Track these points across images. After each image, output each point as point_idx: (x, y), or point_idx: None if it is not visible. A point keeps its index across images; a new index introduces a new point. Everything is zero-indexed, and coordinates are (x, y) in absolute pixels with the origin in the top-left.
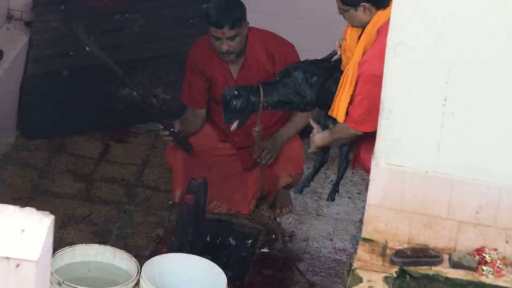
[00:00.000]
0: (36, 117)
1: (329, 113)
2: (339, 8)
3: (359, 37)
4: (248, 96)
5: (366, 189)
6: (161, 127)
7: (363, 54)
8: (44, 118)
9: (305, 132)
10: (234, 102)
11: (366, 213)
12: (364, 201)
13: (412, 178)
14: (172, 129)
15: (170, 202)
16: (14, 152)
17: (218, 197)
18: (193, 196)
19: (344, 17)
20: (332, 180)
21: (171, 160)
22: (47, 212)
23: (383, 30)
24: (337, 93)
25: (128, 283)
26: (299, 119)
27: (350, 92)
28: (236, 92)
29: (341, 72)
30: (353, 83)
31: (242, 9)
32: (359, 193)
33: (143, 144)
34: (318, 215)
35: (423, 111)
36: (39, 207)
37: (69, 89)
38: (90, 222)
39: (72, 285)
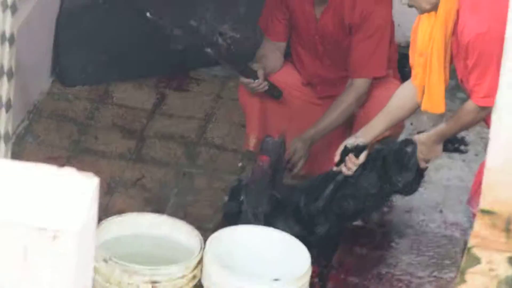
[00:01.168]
0: (75, 59)
1: (422, 108)
2: None
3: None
4: None
5: (485, 149)
6: (244, 79)
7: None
8: (85, 60)
9: None
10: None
11: (485, 178)
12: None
13: None
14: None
15: (240, 164)
16: (49, 102)
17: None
18: (268, 157)
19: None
20: None
21: (244, 100)
22: (90, 174)
23: None
24: (423, 84)
25: (190, 261)
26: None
27: (442, 77)
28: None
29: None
30: (442, 63)
31: None
32: (476, 155)
33: (206, 93)
34: (424, 181)
35: None
36: (80, 168)
37: (116, 26)
38: (142, 187)
39: (121, 262)
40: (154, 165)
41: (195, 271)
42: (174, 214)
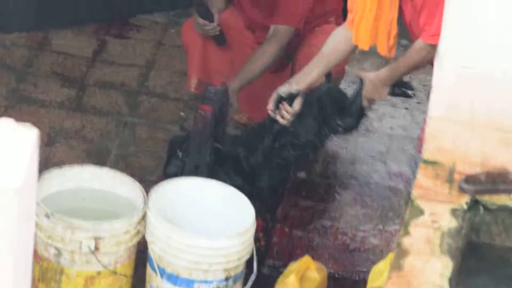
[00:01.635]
0: (12, 5)
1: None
2: None
3: None
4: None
5: (427, 97)
6: (200, 20)
7: None
8: (23, 6)
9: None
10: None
11: (427, 127)
12: (425, 112)
13: (486, 82)
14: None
15: (182, 113)
16: None
17: (244, 107)
18: (211, 107)
19: None
20: None
21: (187, 39)
22: (29, 125)
23: None
24: (356, 17)
25: (132, 216)
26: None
27: (373, 13)
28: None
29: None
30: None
31: None
32: (418, 103)
33: (147, 40)
34: (367, 130)
35: None
36: (19, 118)
37: None
38: (83, 138)
39: (64, 217)
40: (94, 115)
41: (139, 226)
42: (116, 165)
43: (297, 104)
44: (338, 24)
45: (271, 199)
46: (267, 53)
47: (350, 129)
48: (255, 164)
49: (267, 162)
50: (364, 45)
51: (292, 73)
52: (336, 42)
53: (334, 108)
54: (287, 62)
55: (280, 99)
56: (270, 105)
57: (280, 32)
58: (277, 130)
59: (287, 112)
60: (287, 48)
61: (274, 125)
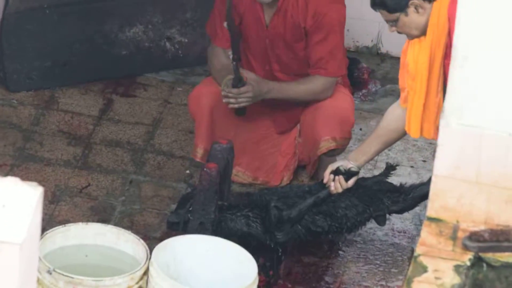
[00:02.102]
0: (19, 64)
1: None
2: (387, 22)
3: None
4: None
5: (433, 156)
6: (235, 90)
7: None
8: (30, 65)
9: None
10: None
11: (432, 185)
12: (430, 171)
13: (491, 142)
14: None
15: (188, 171)
16: None
17: (243, 162)
18: (216, 164)
19: (397, 31)
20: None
21: (194, 109)
22: (35, 183)
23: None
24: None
25: (135, 272)
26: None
27: (421, 101)
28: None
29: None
30: (424, 87)
31: None
32: (424, 161)
33: (154, 98)
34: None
35: (507, 58)
36: (24, 177)
37: (61, 30)
38: (88, 196)
39: (65, 273)
40: (100, 173)
41: (141, 282)
42: (120, 223)
43: (352, 181)
44: (344, 83)
45: (275, 255)
46: (311, 84)
47: (398, 212)
48: (286, 217)
49: (298, 220)
50: (415, 134)
51: (300, 128)
52: (394, 121)
53: (384, 192)
54: (294, 124)
55: (338, 173)
56: (328, 174)
57: (321, 79)
58: (321, 197)
59: (341, 185)
60: (296, 110)
61: (320, 192)
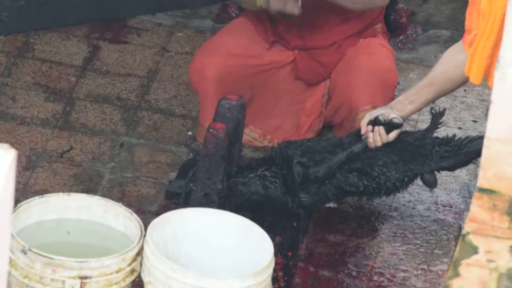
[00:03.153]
0: None
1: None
2: None
3: None
4: None
5: (486, 115)
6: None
7: None
8: (0, 5)
9: None
10: None
11: (485, 150)
12: (483, 132)
13: None
14: None
15: (190, 133)
16: None
17: (257, 121)
18: (224, 125)
19: None
20: (433, 102)
21: (197, 82)
22: (6, 145)
23: None
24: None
25: (127, 252)
26: None
27: (492, 42)
28: None
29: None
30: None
31: None
32: (474, 121)
33: (149, 45)
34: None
35: None
36: None
37: None
38: (70, 161)
39: (43, 253)
40: (85, 134)
41: (134, 264)
42: (109, 194)
43: (394, 134)
44: (384, 33)
45: (293, 233)
46: None
47: (448, 169)
48: (313, 176)
49: (327, 179)
50: (476, 79)
51: (329, 92)
52: (453, 68)
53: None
54: (323, 77)
55: (377, 123)
56: (365, 124)
57: None
58: (355, 151)
59: (380, 138)
60: (326, 61)
61: (354, 145)
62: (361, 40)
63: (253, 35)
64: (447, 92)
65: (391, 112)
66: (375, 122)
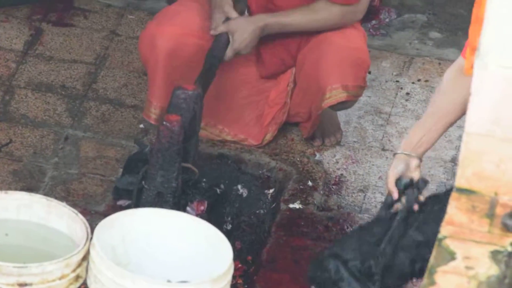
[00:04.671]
0: None
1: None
2: None
3: None
4: None
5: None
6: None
7: None
8: None
9: None
10: None
11: (464, 147)
12: (461, 127)
13: None
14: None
15: (142, 125)
16: None
17: (216, 114)
18: (179, 116)
19: None
20: (408, 93)
21: (146, 54)
22: None
23: None
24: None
25: (71, 256)
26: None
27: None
28: None
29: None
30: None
31: None
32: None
33: (97, 29)
34: (384, 149)
35: None
36: None
37: None
38: (9, 156)
39: None
40: (25, 126)
41: (79, 270)
42: (52, 192)
43: (426, 193)
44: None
45: (254, 236)
46: (315, 11)
47: None
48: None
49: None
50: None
51: (294, 82)
52: (460, 93)
53: None
54: (286, 65)
55: (406, 186)
56: (393, 186)
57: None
58: (401, 219)
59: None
60: (294, 49)
61: (397, 215)
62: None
63: (210, 14)
64: (460, 117)
65: (411, 162)
66: (402, 183)
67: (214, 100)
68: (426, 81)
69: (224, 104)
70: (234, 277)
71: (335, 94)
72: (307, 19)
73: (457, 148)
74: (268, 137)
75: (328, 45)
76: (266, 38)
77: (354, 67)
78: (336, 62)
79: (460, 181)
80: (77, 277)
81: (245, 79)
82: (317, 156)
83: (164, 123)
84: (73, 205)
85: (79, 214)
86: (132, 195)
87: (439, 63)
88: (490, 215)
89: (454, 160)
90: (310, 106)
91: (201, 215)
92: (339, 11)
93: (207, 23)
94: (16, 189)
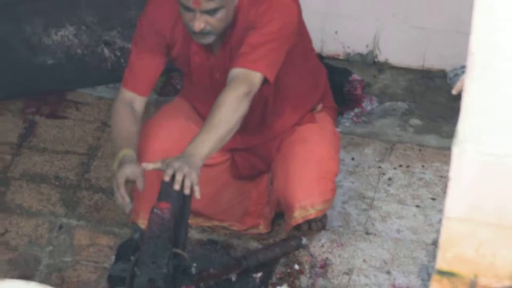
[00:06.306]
0: None
1: None
2: None
3: None
4: None
5: (445, 192)
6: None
7: None
8: None
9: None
10: None
11: (443, 231)
12: (441, 211)
13: None
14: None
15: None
16: None
17: (204, 210)
18: (169, 204)
19: None
20: (390, 178)
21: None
22: None
23: None
24: None
25: None
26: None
27: None
28: None
29: None
30: None
31: None
32: (433, 199)
33: (89, 120)
34: (367, 233)
35: None
36: None
37: None
38: (5, 245)
39: None
40: (21, 216)
41: None
42: (47, 280)
43: None
44: (329, 113)
45: None
46: (228, 100)
47: None
48: None
49: None
50: None
51: (271, 183)
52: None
53: None
54: (263, 171)
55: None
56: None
57: (239, 72)
58: None
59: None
60: (264, 154)
61: None
62: (297, 127)
63: (185, 130)
64: None
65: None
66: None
67: (201, 203)
68: (408, 166)
69: (211, 205)
70: None
71: (303, 213)
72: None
73: (438, 231)
74: (262, 228)
75: (293, 160)
76: (237, 145)
77: (319, 181)
78: (301, 180)
79: (441, 264)
80: None
81: (226, 184)
82: (304, 241)
83: (155, 210)
84: None
85: None
86: (125, 282)
87: (420, 149)
88: None
89: (435, 243)
90: (285, 216)
91: None
92: (241, 90)
93: (191, 133)
94: (12, 277)
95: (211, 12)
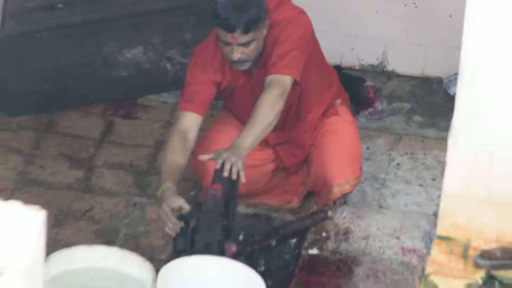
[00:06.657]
0: (17, 88)
1: None
2: None
3: None
4: None
5: (442, 174)
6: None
7: None
8: (28, 89)
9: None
10: None
11: (442, 204)
12: (439, 189)
13: (502, 161)
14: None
15: (192, 193)
16: None
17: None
18: (221, 186)
19: None
20: (398, 163)
21: (201, 175)
22: (37, 207)
23: None
24: None
25: None
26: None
27: None
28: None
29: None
30: None
31: (259, 5)
32: (433, 179)
33: (156, 120)
34: (380, 207)
35: None
36: (26, 201)
37: (58, 53)
38: (91, 219)
39: None
40: (103, 196)
41: None
42: (125, 246)
43: None
44: (345, 104)
45: (282, 276)
46: (267, 100)
47: None
48: None
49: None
50: None
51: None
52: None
53: None
54: (303, 160)
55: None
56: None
57: (275, 78)
58: None
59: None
60: (302, 144)
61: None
62: (325, 119)
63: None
64: None
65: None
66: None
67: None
68: (412, 154)
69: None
70: None
71: (340, 188)
72: (266, 116)
73: (437, 205)
74: (295, 204)
75: (326, 150)
76: (279, 139)
77: (349, 163)
78: (335, 163)
79: (440, 231)
80: None
81: (268, 172)
82: (329, 213)
83: (210, 191)
84: (141, 254)
85: (147, 262)
86: (187, 247)
87: (422, 140)
88: (465, 256)
89: (435, 214)
90: (323, 197)
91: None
92: (278, 89)
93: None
94: (97, 244)
95: (246, 44)
